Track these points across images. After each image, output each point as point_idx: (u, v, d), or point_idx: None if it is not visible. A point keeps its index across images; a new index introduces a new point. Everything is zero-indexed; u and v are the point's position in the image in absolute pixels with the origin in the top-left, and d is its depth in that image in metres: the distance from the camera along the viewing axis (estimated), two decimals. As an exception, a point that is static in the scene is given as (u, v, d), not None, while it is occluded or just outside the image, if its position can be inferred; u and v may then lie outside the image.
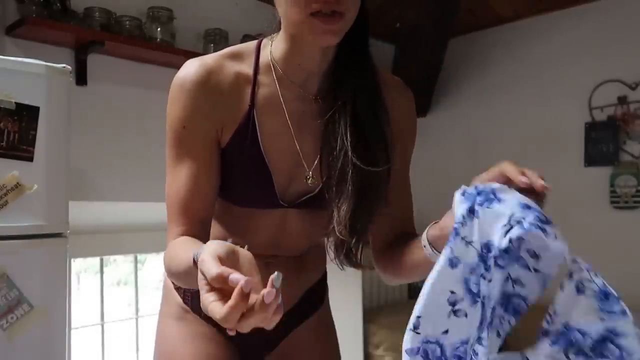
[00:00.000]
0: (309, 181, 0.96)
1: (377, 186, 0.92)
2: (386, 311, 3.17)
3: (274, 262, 1.00)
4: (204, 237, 0.90)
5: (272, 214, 0.99)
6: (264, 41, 0.97)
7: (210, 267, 0.63)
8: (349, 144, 0.90)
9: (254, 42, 0.98)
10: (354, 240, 0.92)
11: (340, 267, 0.96)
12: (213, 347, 1.06)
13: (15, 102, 1.46)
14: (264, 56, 0.95)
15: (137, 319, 2.74)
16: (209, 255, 0.65)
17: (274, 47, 0.94)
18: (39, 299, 1.50)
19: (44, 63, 1.54)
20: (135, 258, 2.74)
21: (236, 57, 0.95)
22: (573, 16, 3.07)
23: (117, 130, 2.33)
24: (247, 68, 0.95)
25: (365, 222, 0.93)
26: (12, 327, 1.45)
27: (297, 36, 0.88)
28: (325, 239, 1.00)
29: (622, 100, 2.88)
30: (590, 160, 2.97)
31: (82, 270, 2.59)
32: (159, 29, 2.38)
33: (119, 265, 2.77)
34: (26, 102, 1.48)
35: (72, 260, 2.29)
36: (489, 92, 3.41)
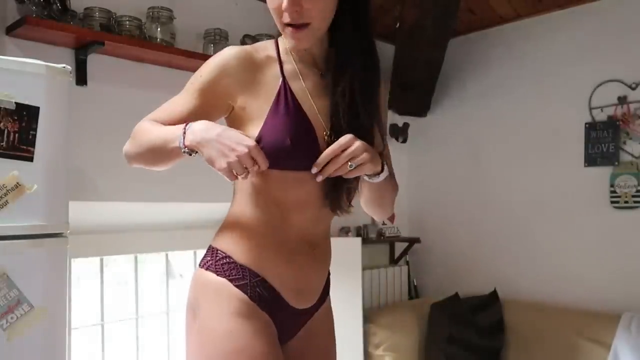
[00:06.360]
0: (326, 139, 1.18)
1: (366, 136, 1.17)
2: (386, 311, 3.16)
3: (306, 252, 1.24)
4: None
5: (310, 184, 1.18)
6: (279, 38, 1.24)
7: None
8: (346, 105, 1.17)
9: (272, 40, 1.27)
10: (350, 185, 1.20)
11: (339, 214, 1.24)
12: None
13: (15, 102, 1.47)
14: (281, 46, 1.23)
15: (137, 319, 2.74)
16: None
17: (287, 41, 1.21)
18: (39, 299, 1.50)
19: (44, 63, 1.54)
20: (136, 258, 2.74)
21: (263, 48, 1.24)
22: (573, 16, 3.07)
23: (117, 130, 2.32)
24: (272, 53, 1.23)
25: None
26: (12, 327, 1.45)
27: None
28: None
29: (622, 100, 2.88)
30: (590, 160, 2.97)
31: (82, 270, 2.58)
32: (159, 29, 2.37)
33: (119, 265, 2.77)
34: (26, 102, 1.49)
35: (72, 260, 2.29)
36: (489, 92, 3.41)
